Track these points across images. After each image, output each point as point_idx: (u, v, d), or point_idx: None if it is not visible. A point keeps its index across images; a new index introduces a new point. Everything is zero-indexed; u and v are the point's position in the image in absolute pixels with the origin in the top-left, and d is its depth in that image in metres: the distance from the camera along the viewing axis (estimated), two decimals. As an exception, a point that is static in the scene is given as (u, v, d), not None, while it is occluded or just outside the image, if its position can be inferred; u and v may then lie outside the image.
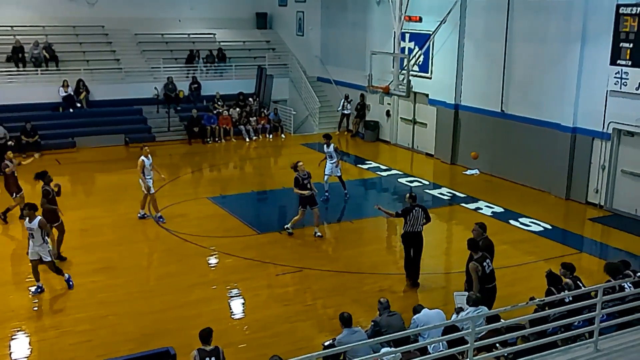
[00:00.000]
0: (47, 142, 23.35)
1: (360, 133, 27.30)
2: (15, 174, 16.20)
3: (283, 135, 27.24)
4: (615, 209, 17.73)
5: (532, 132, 19.74)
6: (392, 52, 23.54)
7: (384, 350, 8.25)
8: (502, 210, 17.77)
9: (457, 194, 19.33)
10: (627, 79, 16.73)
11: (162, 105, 26.27)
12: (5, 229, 16.04)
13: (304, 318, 11.82)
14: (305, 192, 15.22)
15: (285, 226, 15.75)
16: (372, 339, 8.51)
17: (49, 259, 12.34)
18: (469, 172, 21.63)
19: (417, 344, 8.96)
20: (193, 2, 30.19)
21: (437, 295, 12.52)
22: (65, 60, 26.30)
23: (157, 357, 9.12)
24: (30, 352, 10.67)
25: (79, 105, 25.23)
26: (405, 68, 23.26)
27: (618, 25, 16.72)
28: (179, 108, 26.57)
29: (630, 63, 16.59)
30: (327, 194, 18.33)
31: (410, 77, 23.21)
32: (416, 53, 23.58)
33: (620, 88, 16.94)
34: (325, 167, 18.36)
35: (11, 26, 26.55)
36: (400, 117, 25.63)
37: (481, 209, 17.93)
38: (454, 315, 10.07)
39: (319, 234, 15.62)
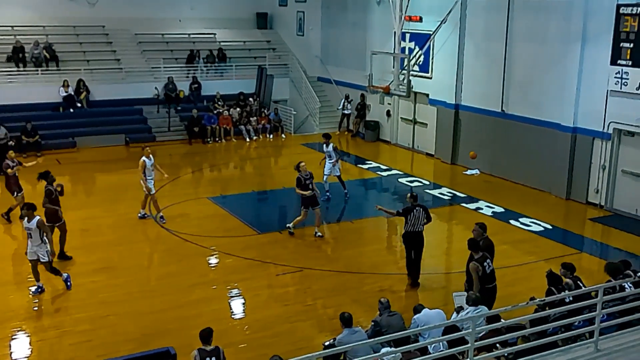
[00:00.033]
0: (47, 142, 23.35)
1: (361, 133, 27.30)
2: (17, 174, 16.20)
3: (283, 135, 27.24)
4: (616, 209, 17.73)
5: (532, 132, 19.74)
6: (393, 52, 23.53)
7: (384, 350, 8.25)
8: (503, 210, 17.77)
9: (458, 194, 19.33)
10: (628, 79, 16.73)
11: (163, 105, 26.27)
12: (6, 229, 16.05)
13: (304, 318, 11.82)
14: (307, 193, 15.20)
15: (287, 225, 15.75)
16: (372, 339, 8.51)
17: (45, 259, 12.31)
18: (469, 172, 21.62)
19: (418, 344, 8.96)
20: (193, 2, 30.19)
21: (437, 295, 12.51)
22: (66, 60, 26.30)
23: (158, 357, 9.12)
24: (30, 352, 10.67)
25: (79, 105, 25.24)
26: (406, 68, 23.26)
27: (618, 25, 16.72)
28: (179, 108, 26.57)
29: (630, 63, 16.59)
30: (327, 193, 18.34)
31: (411, 77, 23.20)
32: (416, 53, 23.58)
33: (621, 88, 16.94)
34: (325, 167, 18.36)
35: (11, 26, 26.55)
36: (401, 117, 25.63)
37: (481, 209, 17.92)
38: (454, 315, 10.07)
39: (319, 234, 15.61)
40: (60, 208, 14.06)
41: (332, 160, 18.25)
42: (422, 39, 23.37)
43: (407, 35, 23.84)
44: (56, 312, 12.00)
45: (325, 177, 18.31)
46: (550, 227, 16.57)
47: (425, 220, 12.91)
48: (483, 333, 8.95)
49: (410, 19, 23.33)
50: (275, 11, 32.16)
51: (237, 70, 28.47)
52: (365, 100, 27.10)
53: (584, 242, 16.21)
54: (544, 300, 9.54)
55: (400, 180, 20.89)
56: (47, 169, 14.65)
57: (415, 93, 24.06)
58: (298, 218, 15.60)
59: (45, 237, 12.27)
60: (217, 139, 25.73)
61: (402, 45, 23.53)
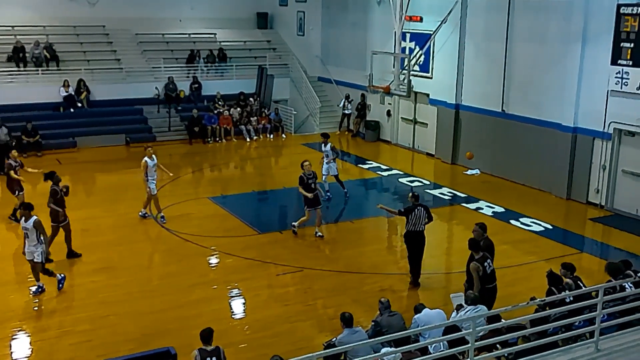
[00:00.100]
0: (47, 142, 23.36)
1: (361, 133, 27.30)
2: (18, 172, 16.23)
3: (284, 135, 27.23)
4: (616, 209, 17.72)
5: (532, 132, 19.73)
6: (393, 52, 23.52)
7: (384, 350, 8.24)
8: (503, 210, 17.76)
9: (458, 193, 19.32)
10: (628, 79, 16.72)
11: (163, 105, 26.27)
12: (7, 229, 16.04)
13: (304, 318, 11.82)
14: (309, 195, 15.16)
15: (292, 224, 15.72)
16: (372, 339, 8.50)
17: (39, 260, 12.26)
18: (469, 172, 21.62)
19: (418, 344, 8.96)
20: (193, 2, 30.18)
21: (438, 295, 12.49)
22: (66, 60, 26.31)
23: (158, 357, 9.12)
24: (30, 352, 10.66)
25: (79, 105, 25.25)
26: (406, 68, 23.25)
27: (619, 25, 16.71)
28: (179, 108, 26.57)
29: (631, 63, 16.59)
30: (328, 193, 18.33)
31: (411, 77, 23.18)
32: (417, 53, 23.57)
33: (621, 88, 16.94)
34: (322, 166, 18.35)
35: (12, 26, 26.55)
36: (401, 117, 25.62)
37: (482, 209, 17.92)
38: (454, 313, 10.06)
39: (319, 234, 15.61)
40: (65, 208, 14.08)
41: (329, 159, 18.27)
42: (422, 39, 23.36)
43: (408, 35, 23.83)
44: (56, 312, 11.99)
45: (324, 177, 18.30)
46: (550, 227, 16.56)
47: (426, 220, 12.91)
48: (483, 333, 8.94)
49: (410, 19, 23.32)
50: (275, 11, 32.15)
51: (237, 70, 28.47)
52: (366, 100, 27.10)
53: (585, 242, 16.21)
54: (545, 300, 9.54)
55: (400, 180, 20.88)
56: (51, 170, 14.65)
57: (416, 93, 24.05)
58: (303, 218, 15.58)
59: (42, 238, 12.25)
60: (217, 139, 25.73)
61: (402, 45, 23.52)
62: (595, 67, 17.63)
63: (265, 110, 27.27)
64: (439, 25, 22.39)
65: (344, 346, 8.51)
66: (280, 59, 29.99)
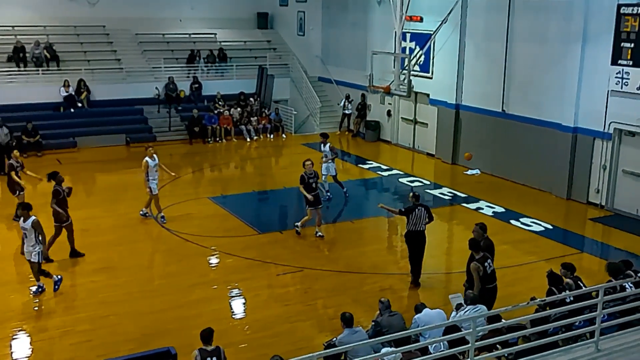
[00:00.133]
0: (48, 142, 23.37)
1: (361, 133, 27.30)
2: (19, 174, 16.24)
3: (284, 135, 27.24)
4: (616, 209, 17.72)
5: (532, 132, 19.73)
6: (393, 52, 23.52)
7: (384, 350, 8.24)
8: (503, 210, 17.76)
9: (458, 193, 19.32)
10: (628, 79, 16.72)
11: (163, 105, 26.28)
12: (7, 229, 16.04)
13: (304, 318, 11.81)
14: (309, 196, 15.13)
15: (295, 224, 15.70)
16: (373, 339, 8.50)
17: (35, 260, 12.25)
18: (469, 172, 21.62)
19: (418, 344, 8.96)
20: (194, 2, 30.19)
21: (438, 295, 12.48)
22: (66, 60, 26.33)
23: (158, 357, 9.11)
24: (30, 352, 10.66)
25: (80, 105, 25.25)
26: (406, 68, 23.24)
27: (619, 25, 16.71)
28: (179, 108, 26.57)
29: (631, 63, 16.59)
30: (328, 193, 18.34)
31: (411, 77, 23.17)
32: (417, 53, 23.57)
33: (622, 88, 16.93)
34: (322, 167, 18.34)
35: (12, 26, 26.56)
36: (401, 117, 25.63)
37: (482, 209, 17.92)
38: (454, 313, 10.06)
39: (320, 234, 15.59)
40: (68, 208, 14.09)
41: (327, 159, 18.26)
42: (422, 39, 23.36)
43: (408, 35, 23.83)
44: (56, 312, 11.98)
45: (323, 177, 18.30)
46: (550, 227, 16.56)
47: (427, 220, 12.91)
48: (483, 333, 8.94)
49: (410, 19, 23.31)
50: (275, 11, 32.16)
51: (237, 70, 28.47)
52: (366, 100, 27.10)
53: (585, 242, 16.20)
54: (545, 300, 9.54)
55: (400, 180, 20.88)
56: (54, 170, 14.63)
57: (416, 93, 24.04)
58: (305, 218, 15.56)
59: (40, 238, 12.24)
60: (217, 139, 25.73)
61: (402, 45, 23.50)
62: (595, 67, 17.63)
63: (266, 110, 27.27)
64: (439, 25, 22.39)
65: (344, 346, 8.51)
66: (280, 59, 29.99)
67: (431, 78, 23.49)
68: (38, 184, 19.00)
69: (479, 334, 8.66)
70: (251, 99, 27.40)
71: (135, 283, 13.13)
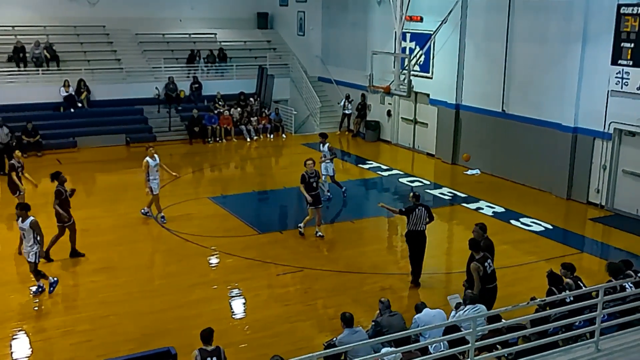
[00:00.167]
0: (48, 142, 23.36)
1: (361, 133, 27.30)
2: (20, 174, 16.26)
3: (284, 135, 27.24)
4: (616, 209, 17.71)
5: (533, 132, 19.73)
6: (393, 52, 23.52)
7: (384, 350, 8.24)
8: (503, 210, 17.76)
9: (458, 193, 19.32)
10: (628, 79, 16.72)
11: (163, 105, 26.28)
12: (7, 229, 16.04)
13: (304, 318, 11.81)
14: (308, 197, 15.12)
15: (299, 225, 15.68)
16: (373, 339, 8.50)
17: (32, 260, 12.24)
18: (469, 172, 21.62)
19: (418, 344, 8.96)
20: (194, 2, 30.19)
21: (438, 295, 12.46)
22: (66, 60, 26.33)
23: (158, 357, 9.12)
24: (30, 352, 10.66)
25: (80, 105, 25.25)
26: (406, 68, 23.25)
27: (619, 25, 16.71)
28: (179, 108, 26.57)
29: (631, 63, 16.59)
30: (328, 193, 18.34)
31: (411, 77, 23.17)
32: (417, 53, 23.57)
33: (622, 88, 16.93)
34: (321, 166, 18.34)
35: (12, 26, 26.56)
36: (401, 117, 25.62)
37: (482, 209, 17.91)
38: (453, 312, 10.06)
39: (320, 233, 15.59)
40: (70, 208, 14.11)
41: (326, 159, 18.26)
42: (422, 39, 23.36)
43: (408, 35, 23.83)
44: (56, 312, 11.98)
45: (323, 177, 18.29)
46: (550, 227, 16.56)
47: (427, 220, 12.91)
48: (483, 333, 8.94)
49: (410, 19, 23.31)
50: (275, 11, 32.16)
51: (237, 70, 28.47)
52: (366, 100, 27.10)
53: (585, 242, 16.20)
54: (545, 300, 9.54)
55: (400, 180, 20.88)
56: (56, 170, 14.62)
57: (416, 93, 24.04)
58: (307, 218, 15.55)
59: (38, 238, 12.22)
60: (217, 139, 25.73)
61: (402, 45, 23.51)
62: (595, 67, 17.63)
63: (266, 110, 27.27)
64: (439, 25, 22.39)
65: (344, 346, 8.51)
66: (280, 59, 29.99)
67: (431, 78, 23.49)
68: (38, 184, 19.03)
69: (479, 334, 8.66)
70: (251, 99, 27.40)
71: (135, 283, 13.13)
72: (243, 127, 26.42)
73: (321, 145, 18.72)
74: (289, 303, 12.35)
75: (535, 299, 10.01)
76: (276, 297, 12.61)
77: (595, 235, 16.85)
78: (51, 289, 12.46)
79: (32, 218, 12.24)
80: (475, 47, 21.68)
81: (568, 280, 10.44)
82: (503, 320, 9.32)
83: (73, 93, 25.10)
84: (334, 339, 9.45)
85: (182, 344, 9.53)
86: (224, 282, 13.24)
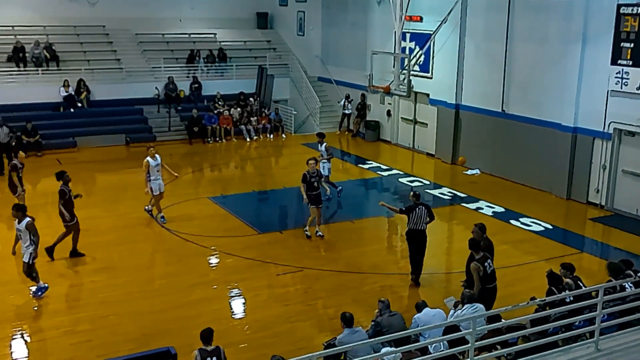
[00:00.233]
0: (48, 142, 23.35)
1: (361, 133, 27.30)
2: (20, 174, 16.27)
3: (284, 135, 27.23)
4: (616, 209, 17.72)
5: (532, 132, 19.73)
6: (393, 52, 23.52)
7: (384, 350, 8.24)
8: (503, 210, 17.76)
9: (458, 193, 19.32)
10: (628, 79, 16.72)
11: (163, 105, 26.27)
12: (7, 229, 16.02)
13: (304, 318, 11.82)
14: (305, 197, 15.12)
15: (305, 230, 15.61)
16: (373, 339, 8.50)
17: (26, 260, 12.21)
18: (469, 172, 21.62)
19: (418, 343, 8.96)
20: (194, 2, 30.18)
21: (438, 295, 12.45)
22: (66, 60, 26.31)
23: (158, 357, 9.12)
24: (31, 352, 10.67)
25: (79, 105, 25.25)
26: (406, 68, 23.25)
27: (619, 25, 16.71)
28: (179, 108, 26.57)
29: (631, 63, 16.59)
30: (328, 194, 18.33)
31: (411, 77, 23.18)
32: (417, 53, 23.57)
33: (621, 88, 16.93)
34: (319, 166, 18.31)
35: (12, 26, 26.55)
36: (401, 117, 25.62)
37: (482, 208, 17.92)
38: (452, 311, 10.07)
39: (320, 233, 15.60)
40: (74, 208, 14.13)
41: (323, 159, 18.27)
42: (422, 39, 23.36)
43: (408, 35, 23.83)
44: (56, 312, 11.97)
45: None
46: (550, 227, 16.56)
47: (428, 219, 12.92)
48: (483, 333, 8.94)
49: (410, 18, 23.31)
50: (275, 11, 32.15)
51: (237, 70, 28.47)
52: (366, 100, 27.10)
53: (585, 242, 16.20)
54: (545, 300, 9.54)
55: (400, 180, 20.88)
56: (61, 170, 14.62)
57: (416, 93, 24.05)
58: (310, 218, 15.54)
59: (34, 239, 12.19)
60: (217, 139, 25.73)
61: (402, 45, 23.51)
62: (595, 67, 17.63)
63: (265, 110, 27.27)
64: (439, 25, 22.39)
65: (344, 346, 8.51)
66: (280, 59, 29.99)
67: (431, 78, 23.49)
68: (38, 184, 19.02)
69: (479, 333, 8.67)
70: (251, 99, 27.39)
71: (135, 283, 13.12)
72: (243, 127, 26.41)
73: (319, 145, 18.73)
74: (289, 303, 12.35)
75: (535, 299, 10.01)
76: (276, 297, 12.61)
77: (595, 235, 16.85)
78: (39, 293, 12.35)
79: (28, 219, 12.21)
80: (475, 47, 21.68)
81: (568, 280, 10.45)
82: (503, 320, 9.33)
83: (73, 93, 25.10)
84: (334, 338, 9.45)
85: (182, 344, 9.53)
86: (224, 282, 13.24)
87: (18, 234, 12.30)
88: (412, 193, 13.39)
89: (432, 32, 22.78)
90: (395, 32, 23.17)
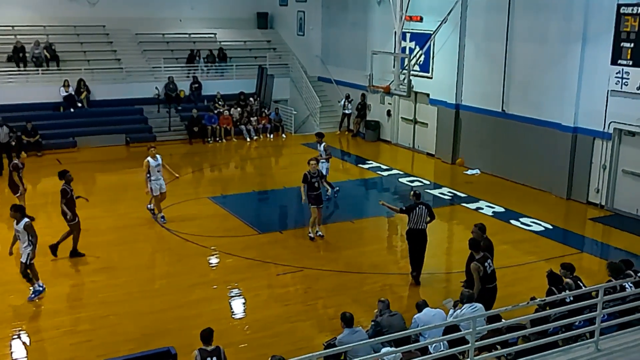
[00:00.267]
0: (48, 142, 23.36)
1: (361, 133, 27.30)
2: (20, 174, 16.28)
3: (284, 135, 27.23)
4: (616, 209, 17.72)
5: (532, 132, 19.73)
6: (393, 51, 23.52)
7: (384, 350, 8.24)
8: (503, 210, 17.76)
9: (458, 193, 19.32)
10: (628, 78, 16.72)
11: (163, 105, 26.28)
12: (7, 229, 16.01)
13: (304, 318, 11.82)
14: (304, 197, 15.11)
15: (309, 233, 15.56)
16: (373, 339, 8.50)
17: (23, 260, 12.21)
18: (469, 172, 21.62)
19: (418, 343, 8.96)
20: (194, 2, 30.18)
21: (438, 295, 12.44)
22: (66, 60, 26.32)
23: (158, 357, 9.12)
24: (30, 352, 10.67)
25: (79, 105, 25.25)
26: (406, 68, 23.25)
27: (619, 25, 16.71)
28: (179, 108, 26.57)
29: (631, 63, 16.59)
30: (328, 194, 18.30)
31: (411, 77, 23.18)
32: (417, 53, 23.57)
33: (621, 88, 16.93)
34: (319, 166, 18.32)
35: (12, 26, 26.56)
36: (401, 117, 25.62)
37: (482, 208, 17.92)
38: (452, 311, 10.07)
39: (320, 233, 15.60)
40: (75, 208, 14.14)
41: (322, 158, 18.26)
42: (422, 39, 23.36)
43: (408, 35, 23.83)
44: (56, 312, 11.97)
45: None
46: (550, 227, 16.56)
47: (428, 219, 12.93)
48: (483, 333, 8.94)
49: (410, 18, 23.31)
50: (275, 11, 32.16)
51: (237, 70, 28.47)
52: (366, 100, 27.10)
53: (585, 242, 16.20)
54: (545, 300, 9.54)
55: (400, 180, 20.88)
56: (63, 169, 14.62)
57: (416, 93, 24.05)
58: (311, 219, 15.54)
59: (32, 240, 12.18)
60: (217, 139, 25.73)
61: (402, 45, 23.51)
62: (595, 67, 17.63)
63: (266, 110, 27.27)
64: (439, 25, 22.38)
65: (344, 346, 8.51)
66: (280, 59, 29.99)
67: (431, 78, 23.49)
68: (38, 184, 19.02)
69: (479, 334, 8.67)
70: (251, 98, 27.40)
71: (135, 283, 13.12)
72: (243, 127, 26.42)
73: (318, 144, 18.72)
74: (289, 303, 12.35)
75: (535, 298, 10.01)
76: (276, 297, 12.61)
77: (595, 235, 16.85)
78: (33, 295, 12.32)
79: (26, 220, 12.21)
80: (475, 47, 21.68)
81: (568, 280, 10.45)
82: (503, 320, 9.33)
83: (73, 93, 25.10)
84: (334, 338, 9.45)
85: (182, 344, 9.53)
86: (224, 282, 13.24)
87: (16, 235, 12.29)
88: (412, 192, 13.39)
89: (432, 32, 22.78)
90: (395, 32, 23.17)
